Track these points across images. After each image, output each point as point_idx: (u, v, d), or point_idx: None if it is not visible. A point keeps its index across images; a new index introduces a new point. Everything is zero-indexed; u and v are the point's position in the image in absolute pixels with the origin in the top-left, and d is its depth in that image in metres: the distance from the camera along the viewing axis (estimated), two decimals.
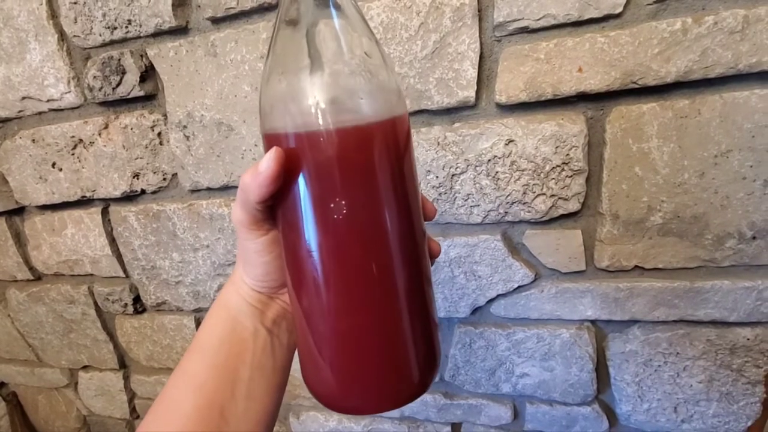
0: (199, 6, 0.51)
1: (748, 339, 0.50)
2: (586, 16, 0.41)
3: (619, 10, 0.41)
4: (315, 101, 0.21)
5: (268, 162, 0.21)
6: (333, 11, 0.22)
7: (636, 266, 0.50)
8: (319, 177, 0.21)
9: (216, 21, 0.52)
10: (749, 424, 0.55)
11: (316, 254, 0.22)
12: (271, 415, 0.26)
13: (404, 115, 0.24)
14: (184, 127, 0.57)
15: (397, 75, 0.25)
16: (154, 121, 0.58)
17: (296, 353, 0.28)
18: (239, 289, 0.27)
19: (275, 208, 0.24)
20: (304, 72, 0.22)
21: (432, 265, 0.28)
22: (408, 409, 0.68)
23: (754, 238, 0.45)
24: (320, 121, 0.21)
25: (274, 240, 0.25)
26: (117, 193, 0.64)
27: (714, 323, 0.51)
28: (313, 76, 0.22)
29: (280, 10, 0.23)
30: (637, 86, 0.42)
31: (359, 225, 0.22)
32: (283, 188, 0.22)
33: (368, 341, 0.23)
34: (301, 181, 0.22)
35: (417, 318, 0.24)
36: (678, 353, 0.53)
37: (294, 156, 0.21)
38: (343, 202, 0.21)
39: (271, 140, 0.23)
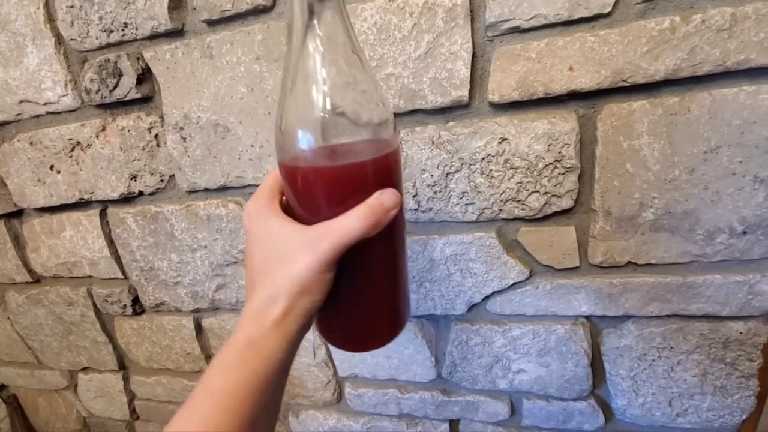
0: (195, 8, 0.52)
1: (740, 333, 0.51)
2: (576, 16, 0.42)
3: (609, 9, 0.41)
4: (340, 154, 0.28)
5: (396, 199, 0.27)
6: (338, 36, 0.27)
7: (629, 262, 0.50)
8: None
9: (211, 23, 0.52)
10: (744, 417, 0.55)
11: (372, 268, 0.31)
12: None
13: (399, 146, 0.31)
14: (181, 128, 0.57)
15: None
16: (151, 123, 0.59)
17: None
18: (284, 328, 0.26)
19: None
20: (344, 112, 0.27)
21: None
22: (406, 406, 0.69)
23: (744, 232, 0.46)
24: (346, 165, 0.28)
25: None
26: (115, 195, 0.64)
27: (707, 317, 0.51)
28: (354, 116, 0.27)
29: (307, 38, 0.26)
30: (627, 84, 0.43)
31: (388, 240, 0.30)
32: None
33: (374, 309, 0.33)
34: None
35: (400, 294, 0.34)
36: (672, 347, 0.54)
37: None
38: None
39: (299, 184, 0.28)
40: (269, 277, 0.26)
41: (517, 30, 0.44)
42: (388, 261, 0.31)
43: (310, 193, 0.28)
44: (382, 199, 0.27)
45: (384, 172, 0.28)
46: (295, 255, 0.26)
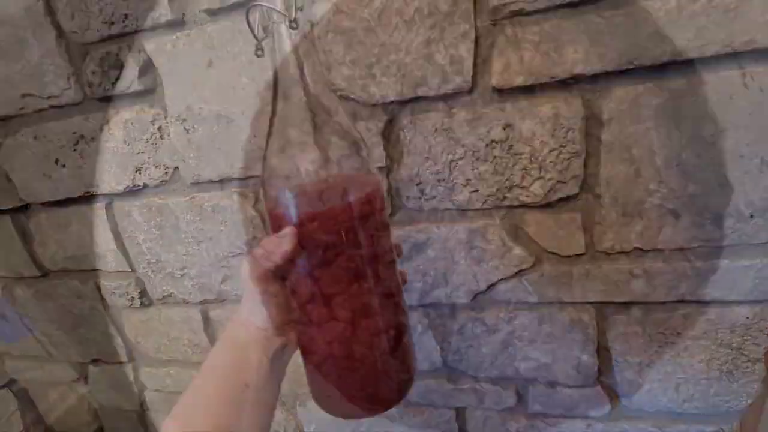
0: None
1: (747, 318, 0.51)
2: None
3: None
4: (312, 194, 0.29)
5: (290, 238, 0.28)
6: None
7: (635, 248, 0.50)
8: (320, 245, 0.28)
9: (212, 13, 0.52)
10: (749, 401, 0.55)
11: (318, 301, 0.29)
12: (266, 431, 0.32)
13: (378, 185, 0.32)
14: (184, 120, 0.57)
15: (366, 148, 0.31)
16: (154, 116, 0.59)
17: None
18: (247, 328, 0.32)
19: (285, 269, 0.30)
20: (307, 167, 0.29)
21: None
22: (413, 395, 0.69)
23: (751, 216, 0.45)
24: (316, 207, 0.29)
25: (278, 289, 0.31)
26: (120, 188, 0.64)
27: (714, 303, 0.51)
28: (313, 169, 0.29)
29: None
30: (633, 67, 0.42)
31: (349, 279, 0.29)
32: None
33: (361, 370, 0.30)
34: (308, 247, 0.29)
35: (397, 351, 0.31)
36: (679, 333, 0.54)
37: (302, 231, 0.28)
38: (336, 264, 0.28)
39: (278, 217, 0.30)
40: None
41: (521, 13, 0.43)
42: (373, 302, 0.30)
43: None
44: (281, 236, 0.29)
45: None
46: None
